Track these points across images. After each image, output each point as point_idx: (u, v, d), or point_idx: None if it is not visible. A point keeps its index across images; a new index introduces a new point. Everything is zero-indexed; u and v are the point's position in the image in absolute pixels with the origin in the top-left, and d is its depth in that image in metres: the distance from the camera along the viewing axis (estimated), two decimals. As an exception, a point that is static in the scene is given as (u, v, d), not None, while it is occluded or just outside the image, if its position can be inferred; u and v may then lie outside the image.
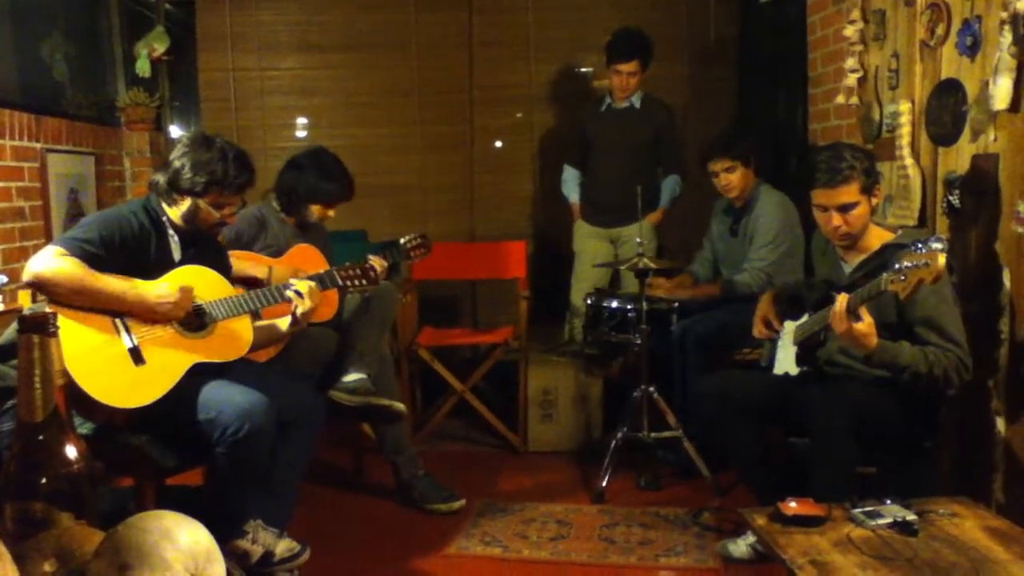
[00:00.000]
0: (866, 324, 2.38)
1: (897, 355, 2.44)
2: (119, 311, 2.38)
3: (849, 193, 2.56)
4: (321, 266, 3.16)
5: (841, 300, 2.41)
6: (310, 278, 2.85)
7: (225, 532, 2.45)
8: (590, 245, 4.40)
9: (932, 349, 2.45)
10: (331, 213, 3.38)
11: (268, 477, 2.55)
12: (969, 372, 2.47)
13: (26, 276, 2.33)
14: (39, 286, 2.32)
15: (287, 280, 2.76)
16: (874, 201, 2.62)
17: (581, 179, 4.48)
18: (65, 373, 1.13)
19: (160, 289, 2.43)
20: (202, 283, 2.57)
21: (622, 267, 3.59)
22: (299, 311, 2.70)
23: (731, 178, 3.65)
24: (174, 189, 2.56)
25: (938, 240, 2.22)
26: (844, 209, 2.58)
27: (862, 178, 2.57)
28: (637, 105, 4.31)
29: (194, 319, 2.52)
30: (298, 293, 2.69)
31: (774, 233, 3.63)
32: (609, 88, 4.35)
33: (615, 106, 4.33)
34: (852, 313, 2.38)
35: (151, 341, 2.42)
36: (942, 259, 2.17)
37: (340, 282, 2.94)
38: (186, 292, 2.46)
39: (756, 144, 3.70)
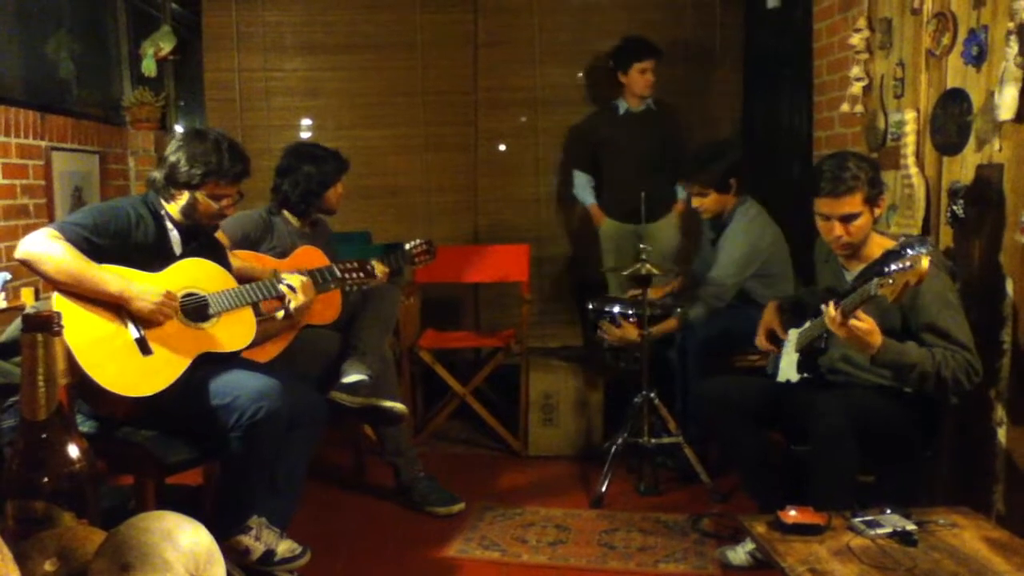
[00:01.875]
0: (867, 323, 2.37)
1: (902, 354, 2.41)
2: (102, 300, 2.39)
3: (852, 204, 2.56)
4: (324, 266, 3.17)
5: (829, 308, 2.42)
6: (309, 272, 2.87)
7: (230, 525, 2.47)
8: (618, 242, 4.44)
9: (939, 350, 2.43)
10: (340, 189, 3.44)
11: (273, 473, 2.55)
12: (979, 375, 2.45)
13: (17, 254, 2.37)
14: (27, 264, 2.36)
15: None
16: (877, 211, 2.62)
17: (593, 182, 4.57)
18: (68, 372, 1.13)
19: (144, 288, 2.42)
20: (204, 275, 2.60)
21: (624, 272, 3.59)
22: (292, 305, 2.72)
23: (704, 202, 3.64)
24: (171, 184, 2.58)
25: (923, 243, 2.24)
26: (846, 219, 2.58)
27: (866, 188, 2.56)
28: (653, 107, 4.44)
29: (197, 311, 2.54)
30: (290, 287, 2.72)
31: (739, 253, 3.59)
32: (624, 93, 4.43)
33: (633, 110, 4.43)
34: (847, 317, 2.38)
35: (157, 332, 2.44)
36: (925, 261, 2.19)
37: (339, 275, 2.95)
38: (170, 298, 2.45)
39: (735, 168, 3.63)
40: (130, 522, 1.01)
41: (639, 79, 4.37)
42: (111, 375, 2.32)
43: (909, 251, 2.24)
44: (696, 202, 3.67)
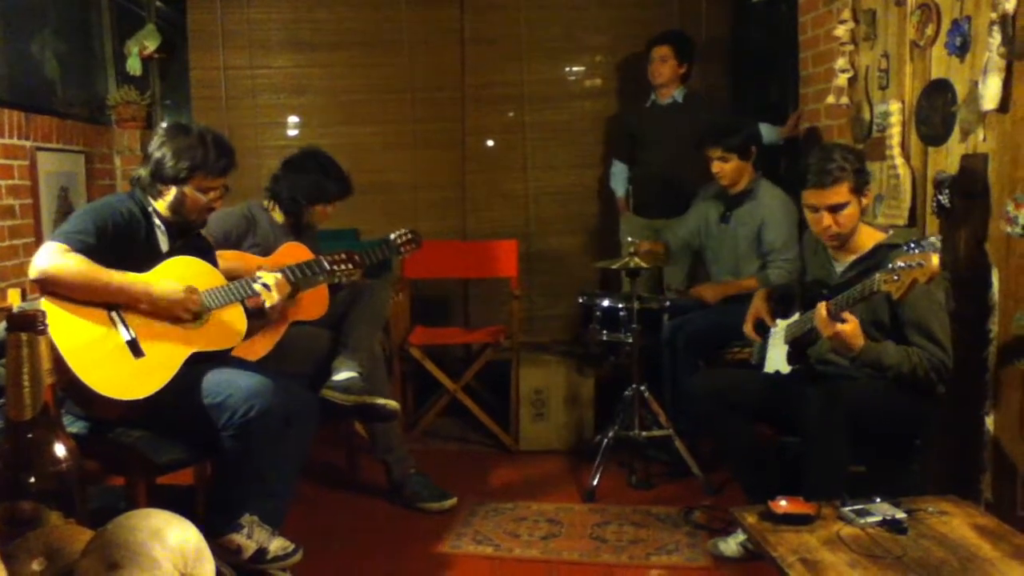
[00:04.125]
0: (851, 325, 2.43)
1: (881, 355, 2.49)
2: (122, 304, 2.39)
3: (839, 194, 2.58)
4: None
5: (820, 308, 2.46)
6: (298, 265, 2.86)
7: (222, 524, 2.47)
8: (633, 236, 4.43)
9: (916, 350, 2.50)
10: (330, 211, 3.39)
11: (265, 472, 2.55)
12: (949, 373, 2.52)
13: (33, 274, 2.34)
14: (46, 283, 2.33)
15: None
16: (864, 201, 2.64)
17: (629, 173, 4.57)
18: (54, 372, 1.12)
19: (166, 284, 2.44)
20: (193, 273, 2.59)
21: (614, 266, 3.59)
22: (266, 304, 2.70)
23: (724, 167, 3.69)
24: (158, 180, 2.57)
25: (932, 241, 2.24)
26: (834, 209, 2.60)
27: (852, 178, 2.58)
28: (680, 100, 4.37)
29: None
30: (265, 286, 2.70)
31: (788, 229, 3.65)
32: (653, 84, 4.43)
33: (659, 102, 4.41)
34: (834, 317, 2.42)
35: (147, 333, 2.44)
36: (936, 260, 2.20)
37: (328, 267, 2.94)
38: (191, 292, 2.48)
39: (755, 137, 3.72)
40: (118, 520, 1.01)
41: (649, 68, 4.36)
42: (103, 379, 2.31)
43: (916, 249, 2.24)
44: (716, 167, 3.70)
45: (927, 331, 2.50)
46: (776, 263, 3.66)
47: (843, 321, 2.42)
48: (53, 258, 2.32)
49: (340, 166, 3.40)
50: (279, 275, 2.75)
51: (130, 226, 2.51)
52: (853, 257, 2.70)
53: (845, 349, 2.49)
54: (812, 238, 2.91)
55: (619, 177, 4.62)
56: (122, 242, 2.47)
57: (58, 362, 2.21)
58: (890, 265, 2.28)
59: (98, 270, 2.35)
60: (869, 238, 2.68)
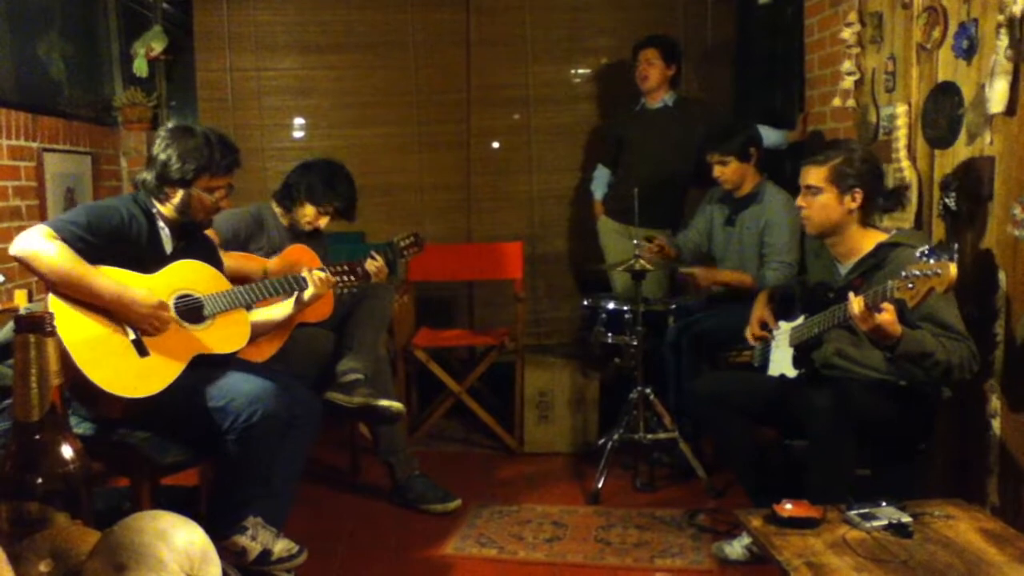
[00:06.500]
0: (889, 314, 2.31)
1: (923, 342, 2.38)
2: (97, 304, 2.38)
3: (816, 176, 2.65)
4: (315, 266, 3.16)
5: (857, 302, 2.35)
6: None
7: (226, 526, 2.47)
8: (612, 241, 4.44)
9: (946, 341, 2.42)
10: (322, 222, 3.37)
11: (269, 473, 2.55)
12: (978, 363, 2.47)
13: (12, 250, 2.34)
14: (22, 262, 2.34)
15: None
16: (848, 203, 2.63)
17: (610, 179, 4.53)
18: (61, 372, 1.12)
19: (138, 297, 2.41)
20: (197, 277, 2.60)
21: (619, 268, 3.59)
22: (306, 295, 2.79)
23: (724, 171, 3.68)
24: (165, 183, 2.56)
25: (947, 249, 2.22)
26: (807, 191, 2.68)
27: (838, 169, 2.64)
28: (670, 104, 4.32)
29: (192, 313, 2.53)
30: (315, 280, 2.81)
31: (790, 232, 3.64)
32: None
33: (648, 106, 4.36)
34: (873, 309, 2.32)
35: None
36: (953, 268, 2.14)
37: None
38: (162, 308, 2.45)
39: (754, 138, 3.71)
40: (124, 522, 1.01)
41: (636, 71, 4.30)
42: (108, 376, 2.32)
43: (932, 257, 2.19)
44: (718, 171, 3.69)
45: (942, 323, 2.44)
46: (773, 264, 3.65)
47: (881, 311, 2.30)
48: (35, 240, 2.31)
49: (351, 183, 3.38)
50: (324, 274, 2.83)
51: (130, 228, 2.50)
52: (856, 259, 2.69)
53: (885, 339, 2.36)
54: (815, 240, 2.90)
55: (600, 181, 4.57)
56: (120, 244, 2.47)
57: (63, 357, 2.22)
58: (904, 273, 2.22)
59: (77, 264, 2.32)
60: (871, 240, 2.67)
